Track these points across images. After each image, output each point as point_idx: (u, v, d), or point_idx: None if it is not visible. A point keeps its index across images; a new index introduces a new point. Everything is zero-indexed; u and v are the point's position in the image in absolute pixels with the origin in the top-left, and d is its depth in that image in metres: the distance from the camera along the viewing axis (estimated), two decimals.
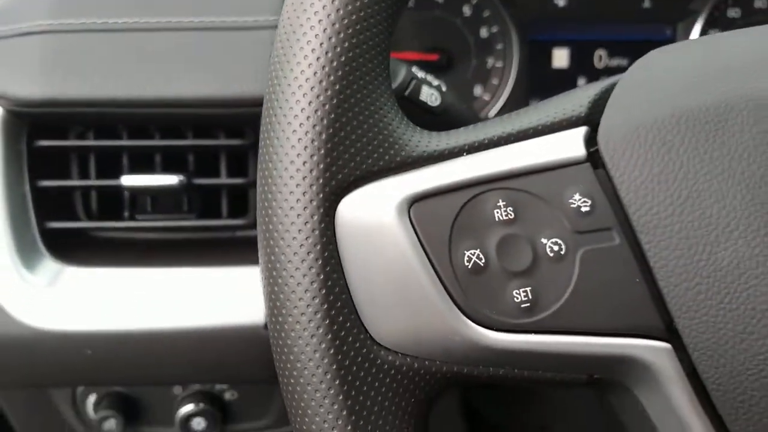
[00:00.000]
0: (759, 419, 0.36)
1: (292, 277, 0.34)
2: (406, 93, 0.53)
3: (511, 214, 0.38)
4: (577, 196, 0.38)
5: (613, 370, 0.39)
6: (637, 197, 0.38)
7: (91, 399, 0.66)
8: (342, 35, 0.36)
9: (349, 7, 0.37)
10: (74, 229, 0.62)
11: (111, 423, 0.64)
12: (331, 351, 0.34)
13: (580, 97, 0.41)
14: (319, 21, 0.36)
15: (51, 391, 0.67)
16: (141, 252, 0.63)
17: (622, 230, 0.38)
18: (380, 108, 0.37)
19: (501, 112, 0.84)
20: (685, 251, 0.37)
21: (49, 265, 0.59)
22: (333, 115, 0.35)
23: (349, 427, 0.34)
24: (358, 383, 0.35)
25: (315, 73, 0.36)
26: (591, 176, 0.39)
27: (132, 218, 0.63)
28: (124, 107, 0.58)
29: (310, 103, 0.35)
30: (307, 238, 0.34)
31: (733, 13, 0.87)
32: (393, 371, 0.36)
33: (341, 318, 0.35)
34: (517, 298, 0.37)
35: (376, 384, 0.35)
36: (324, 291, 0.34)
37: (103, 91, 0.58)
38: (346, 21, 0.36)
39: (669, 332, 0.38)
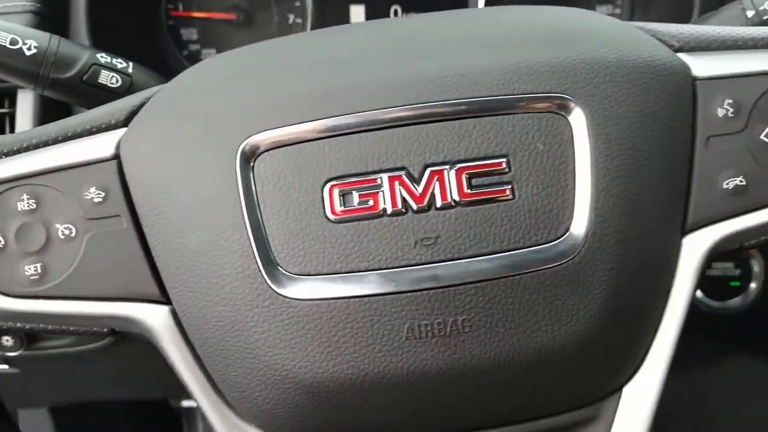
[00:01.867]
0: (218, 356, 0.47)
1: None
2: (84, 78, 0.62)
3: (33, 205, 0.47)
4: (92, 189, 0.48)
5: (128, 326, 0.49)
6: (140, 190, 0.47)
7: None
8: None
9: None
10: None
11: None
12: None
13: (126, 104, 0.50)
14: None
15: None
16: None
17: (130, 217, 0.48)
18: None
19: None
20: (170, 236, 0.46)
21: None
22: None
23: None
24: None
25: None
26: (113, 172, 0.48)
27: None
28: None
29: None
30: None
31: None
32: None
33: None
34: (28, 272, 0.47)
35: None
36: None
37: None
38: None
39: (164, 297, 0.48)
